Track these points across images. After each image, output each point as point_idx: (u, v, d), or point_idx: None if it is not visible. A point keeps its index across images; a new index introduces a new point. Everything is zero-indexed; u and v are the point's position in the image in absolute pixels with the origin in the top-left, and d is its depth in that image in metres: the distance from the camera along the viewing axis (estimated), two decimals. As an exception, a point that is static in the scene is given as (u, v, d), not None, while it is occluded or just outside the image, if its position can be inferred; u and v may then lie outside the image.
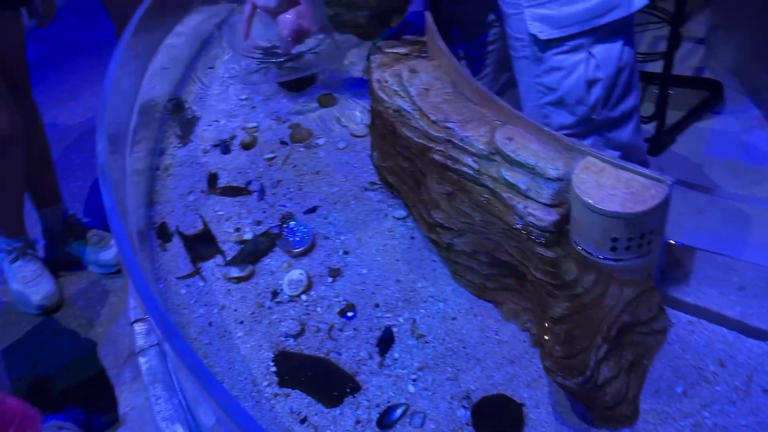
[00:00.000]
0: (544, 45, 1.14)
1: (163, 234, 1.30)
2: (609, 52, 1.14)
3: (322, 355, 1.05)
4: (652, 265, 0.96)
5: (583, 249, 0.94)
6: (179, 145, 1.49)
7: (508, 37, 1.21)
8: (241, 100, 1.59)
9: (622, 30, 1.15)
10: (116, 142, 1.27)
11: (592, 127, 1.19)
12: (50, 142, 2.24)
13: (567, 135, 1.19)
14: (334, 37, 1.59)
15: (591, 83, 1.15)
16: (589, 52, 1.13)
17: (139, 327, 1.23)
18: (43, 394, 1.99)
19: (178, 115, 1.56)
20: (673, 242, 1.02)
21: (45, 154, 2.19)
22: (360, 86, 1.58)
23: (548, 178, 0.96)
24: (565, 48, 1.13)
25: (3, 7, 1.78)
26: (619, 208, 0.88)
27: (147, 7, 1.53)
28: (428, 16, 1.28)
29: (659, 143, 2.16)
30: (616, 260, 0.93)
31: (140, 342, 1.21)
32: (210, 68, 1.71)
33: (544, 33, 1.12)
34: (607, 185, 0.91)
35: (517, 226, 0.98)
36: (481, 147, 1.03)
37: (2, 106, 1.82)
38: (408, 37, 1.33)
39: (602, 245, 0.93)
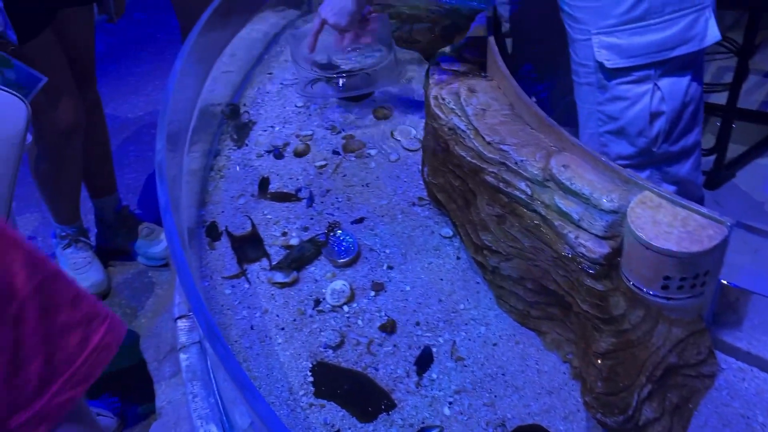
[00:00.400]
0: (610, 73, 1.12)
1: (212, 233, 1.32)
2: (676, 85, 1.12)
3: (359, 369, 1.05)
4: (704, 307, 0.93)
5: (633, 284, 0.92)
6: (234, 148, 1.51)
7: (572, 62, 1.19)
8: (297, 107, 1.60)
9: (692, 64, 1.13)
10: (175, 141, 1.30)
11: (651, 159, 1.17)
12: (110, 133, 2.30)
13: (624, 166, 1.18)
14: (395, 54, 1.59)
15: (654, 116, 1.13)
16: (656, 84, 1.11)
17: (182, 323, 1.25)
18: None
19: (234, 120, 1.58)
20: (727, 284, 0.99)
21: (104, 145, 2.25)
22: (416, 101, 1.59)
23: (602, 210, 0.94)
24: (631, 78, 1.11)
25: (76, 3, 1.83)
26: (674, 246, 0.86)
27: (213, 9, 1.56)
28: (488, 36, 1.28)
29: (717, 177, 2.10)
30: (666, 299, 0.91)
31: (182, 339, 1.22)
32: (269, 74, 1.74)
33: (611, 61, 1.11)
34: (663, 222, 0.89)
35: (567, 255, 0.96)
36: (536, 172, 1.02)
37: (68, 98, 1.88)
38: (468, 55, 1.32)
39: (653, 282, 0.90)
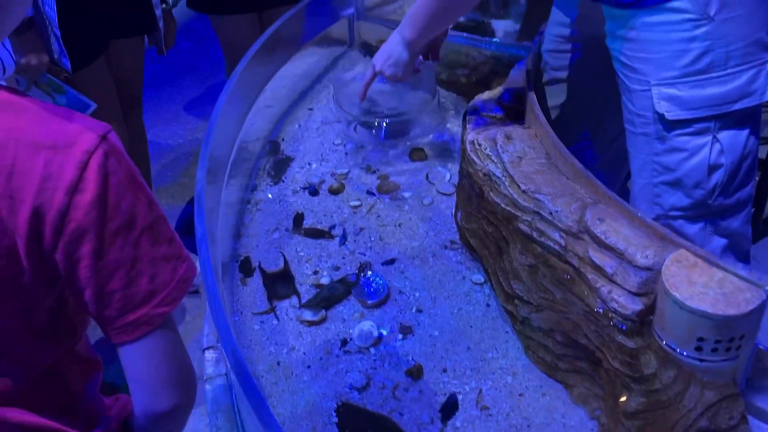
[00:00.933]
0: (670, 125, 1.11)
1: (245, 268, 1.33)
2: (735, 138, 1.11)
3: (384, 412, 1.04)
4: (738, 370, 0.92)
5: (666, 343, 0.91)
6: (271, 183, 1.54)
7: (627, 111, 1.19)
8: (335, 144, 1.63)
9: (751, 117, 1.12)
10: (215, 173, 1.32)
11: (705, 212, 1.15)
12: (149, 158, 2.35)
13: (677, 217, 1.17)
14: (439, 99, 1.60)
15: (713, 168, 1.11)
16: (715, 137, 1.10)
17: (209, 354, 1.26)
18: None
19: (274, 156, 1.61)
20: (763, 349, 0.97)
21: (144, 171, 2.30)
22: (452, 145, 1.60)
23: (637, 266, 0.93)
24: (690, 130, 1.11)
25: (127, 34, 1.90)
26: (710, 308, 0.85)
27: (259, 45, 1.60)
28: (528, 85, 1.29)
29: (755, 232, 2.07)
30: (700, 360, 0.89)
31: (209, 370, 1.23)
32: (309, 109, 1.77)
33: (672, 113, 1.10)
34: (699, 282, 0.88)
35: (599, 310, 0.96)
36: (570, 223, 1.02)
37: (114, 125, 1.93)
38: (506, 102, 1.33)
39: (687, 343, 0.89)
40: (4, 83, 1.13)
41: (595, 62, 1.31)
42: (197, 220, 1.16)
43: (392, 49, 1.35)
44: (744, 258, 1.22)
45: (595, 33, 1.25)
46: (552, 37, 1.37)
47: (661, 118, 1.11)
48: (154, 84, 3.62)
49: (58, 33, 1.62)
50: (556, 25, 1.35)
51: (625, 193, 1.39)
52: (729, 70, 1.07)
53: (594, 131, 1.45)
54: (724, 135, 1.10)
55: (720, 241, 1.18)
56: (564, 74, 1.38)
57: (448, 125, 1.68)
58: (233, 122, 1.51)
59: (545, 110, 1.38)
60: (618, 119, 1.24)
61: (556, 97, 1.43)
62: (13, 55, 1.11)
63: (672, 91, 1.09)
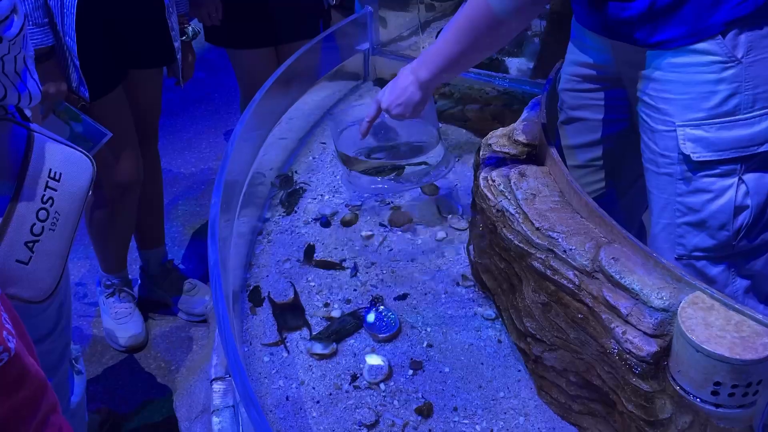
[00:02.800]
0: (695, 166, 1.10)
1: (255, 298, 1.33)
2: (761, 180, 1.10)
3: (393, 450, 1.03)
4: (755, 417, 0.90)
5: (681, 388, 0.90)
6: (283, 214, 1.54)
7: (649, 152, 1.18)
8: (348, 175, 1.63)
9: None
10: (228, 203, 1.33)
11: (729, 253, 1.14)
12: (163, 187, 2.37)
13: (699, 258, 1.15)
14: (442, 139, 1.55)
15: (738, 210, 1.10)
16: (741, 178, 1.09)
17: (217, 386, 1.25)
18: (114, 429, 2.04)
19: (284, 190, 1.61)
20: (781, 395, 0.95)
21: (157, 200, 2.31)
22: (464, 180, 1.60)
23: (652, 307, 0.92)
24: (716, 171, 1.10)
25: (146, 65, 1.92)
26: (727, 352, 0.84)
27: (275, 78, 1.62)
28: (542, 121, 1.29)
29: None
30: (716, 406, 0.88)
31: (216, 401, 1.22)
32: (323, 143, 1.78)
33: (698, 154, 1.09)
34: (716, 325, 0.87)
35: (613, 351, 0.94)
36: (585, 262, 1.01)
37: (129, 154, 1.95)
38: (520, 139, 1.34)
39: (703, 387, 0.88)
40: (29, 112, 1.15)
41: (613, 102, 1.31)
42: (210, 248, 1.16)
43: (404, 87, 1.30)
44: (766, 299, 1.20)
45: (613, 72, 1.25)
46: (568, 77, 1.37)
47: (686, 159, 1.10)
48: (167, 113, 3.65)
49: (78, 63, 1.64)
50: (573, 65, 1.35)
51: (642, 234, 1.39)
52: (756, 113, 1.07)
53: (612, 173, 1.44)
54: (750, 177, 1.10)
55: (743, 282, 1.16)
56: (581, 114, 1.37)
57: (461, 161, 1.68)
58: (248, 153, 1.52)
59: (561, 149, 1.38)
60: (637, 161, 1.23)
61: (573, 136, 1.42)
62: (40, 85, 1.13)
63: (698, 132, 1.08)
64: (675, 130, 1.10)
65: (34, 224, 1.04)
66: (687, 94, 1.09)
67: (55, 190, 1.06)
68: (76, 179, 1.10)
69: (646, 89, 1.14)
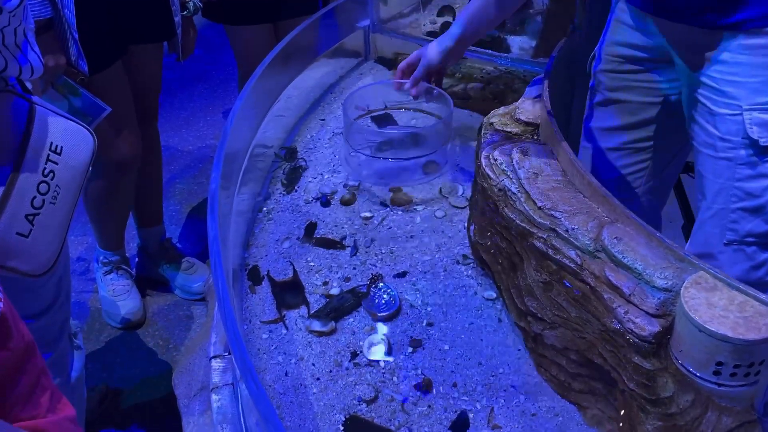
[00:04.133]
0: (761, 150, 1.08)
1: (254, 277, 1.32)
2: None
3: (392, 427, 1.03)
4: (756, 396, 0.90)
5: (683, 366, 0.89)
6: (283, 193, 1.53)
7: (706, 135, 1.15)
8: (349, 155, 1.62)
9: None
10: (227, 180, 1.32)
11: None
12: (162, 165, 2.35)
13: (752, 243, 1.14)
14: (451, 129, 1.55)
15: None
16: None
17: (216, 363, 1.24)
18: (113, 406, 2.04)
19: (289, 162, 1.60)
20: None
21: (156, 178, 2.30)
22: (466, 159, 1.59)
23: (655, 287, 0.92)
24: None
25: (146, 40, 1.90)
26: (729, 332, 0.83)
27: (275, 55, 1.60)
28: (545, 100, 1.28)
29: None
30: (718, 384, 0.88)
31: (215, 379, 1.22)
32: (322, 120, 1.77)
33: (765, 139, 1.07)
34: (719, 305, 0.86)
35: (615, 330, 0.94)
36: (587, 242, 1.01)
37: (129, 130, 1.93)
38: (522, 118, 1.32)
39: (705, 366, 0.88)
40: (30, 84, 1.13)
41: (655, 85, 1.28)
42: (210, 223, 1.15)
43: (440, 38, 1.43)
44: None
45: (662, 54, 1.21)
46: (609, 57, 1.33)
47: (752, 143, 1.08)
48: (165, 91, 3.61)
49: (77, 36, 1.62)
50: (615, 45, 1.31)
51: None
52: None
53: (646, 157, 1.41)
54: None
55: None
56: (620, 95, 1.34)
57: (462, 139, 1.67)
58: (247, 130, 1.51)
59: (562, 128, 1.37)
60: (673, 146, 1.21)
61: (609, 118, 1.39)
62: (41, 58, 1.11)
63: (767, 116, 1.06)
64: (741, 114, 1.07)
65: (35, 197, 1.03)
66: (757, 77, 1.05)
67: (56, 164, 1.06)
68: (77, 153, 1.09)
69: (708, 71, 1.11)
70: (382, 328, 1.20)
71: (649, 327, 0.91)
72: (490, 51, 1.83)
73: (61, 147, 1.06)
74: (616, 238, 0.98)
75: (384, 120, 1.66)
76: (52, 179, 1.04)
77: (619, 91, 1.34)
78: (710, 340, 0.84)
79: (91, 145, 1.11)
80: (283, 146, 1.66)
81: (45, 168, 1.04)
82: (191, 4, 1.90)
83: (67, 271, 1.45)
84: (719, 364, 0.86)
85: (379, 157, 1.51)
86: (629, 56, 1.29)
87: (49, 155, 1.04)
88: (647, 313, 0.92)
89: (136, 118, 1.97)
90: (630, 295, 0.93)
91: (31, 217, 1.03)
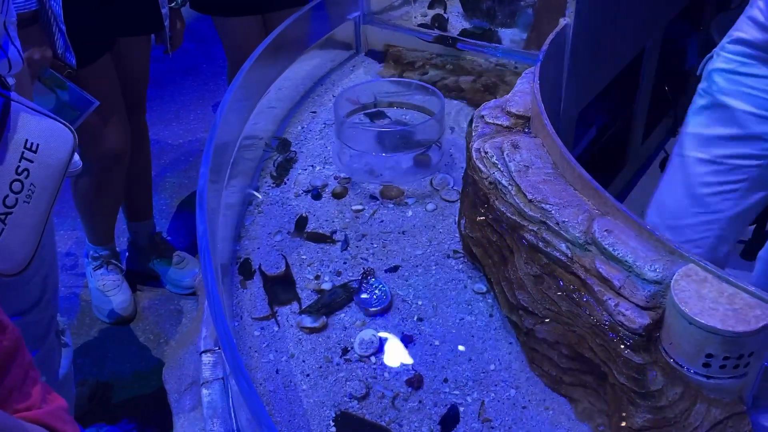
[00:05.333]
0: None
1: (246, 271, 1.31)
2: None
3: (383, 423, 1.03)
4: (745, 388, 0.90)
5: (673, 359, 0.90)
6: (273, 185, 1.52)
7: None
8: (341, 152, 1.61)
9: None
10: (216, 173, 1.31)
11: None
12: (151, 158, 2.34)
13: None
14: (444, 128, 1.53)
15: None
16: None
17: (206, 358, 1.24)
18: (103, 401, 2.04)
19: (281, 153, 1.59)
20: (772, 367, 0.96)
21: (146, 171, 2.29)
22: (457, 152, 1.58)
23: (645, 279, 0.92)
24: None
25: (134, 32, 1.88)
26: (719, 324, 0.83)
27: (264, 47, 1.59)
28: (536, 93, 1.28)
29: (755, 248, 2.06)
30: (707, 377, 0.88)
31: (206, 373, 1.21)
32: (313, 112, 1.75)
33: None
34: (709, 297, 0.86)
35: (605, 323, 0.94)
36: (577, 234, 1.00)
37: (117, 124, 1.92)
38: (513, 110, 1.32)
39: (694, 359, 0.88)
40: (13, 80, 1.11)
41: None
42: (199, 217, 1.14)
43: None
44: None
45: None
46: (731, 57, 1.22)
47: None
48: (155, 84, 3.60)
49: (64, 28, 1.60)
50: (743, 44, 1.20)
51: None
52: None
53: (749, 176, 1.26)
54: None
55: None
56: (732, 101, 1.22)
57: (454, 132, 1.66)
58: (236, 123, 1.50)
59: (553, 120, 1.36)
60: None
61: (712, 125, 1.27)
62: (21, 52, 1.09)
63: None
64: None
65: (7, 196, 1.01)
66: None
67: (32, 162, 1.03)
68: (54, 151, 1.07)
69: None
70: (373, 324, 1.19)
71: (639, 319, 0.91)
72: (482, 42, 1.82)
73: (38, 144, 1.04)
74: (606, 230, 0.98)
75: (376, 116, 1.66)
76: (26, 177, 1.02)
77: (731, 96, 1.22)
78: (700, 333, 0.84)
79: (71, 143, 1.08)
80: (275, 136, 1.65)
81: (19, 166, 1.02)
82: (179, -5, 1.88)
83: (54, 268, 1.43)
84: (709, 356, 0.86)
85: (372, 154, 1.50)
86: (758, 57, 1.18)
87: (24, 153, 1.02)
88: (637, 305, 0.92)
89: (125, 111, 1.95)
90: (620, 287, 0.93)
91: (3, 217, 1.01)
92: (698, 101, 1.30)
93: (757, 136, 1.22)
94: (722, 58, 1.25)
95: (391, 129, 1.55)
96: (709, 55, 1.30)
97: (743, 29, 1.21)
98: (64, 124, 1.09)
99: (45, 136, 1.06)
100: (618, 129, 2.22)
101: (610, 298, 0.94)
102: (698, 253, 1.26)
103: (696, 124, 1.30)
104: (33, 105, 1.08)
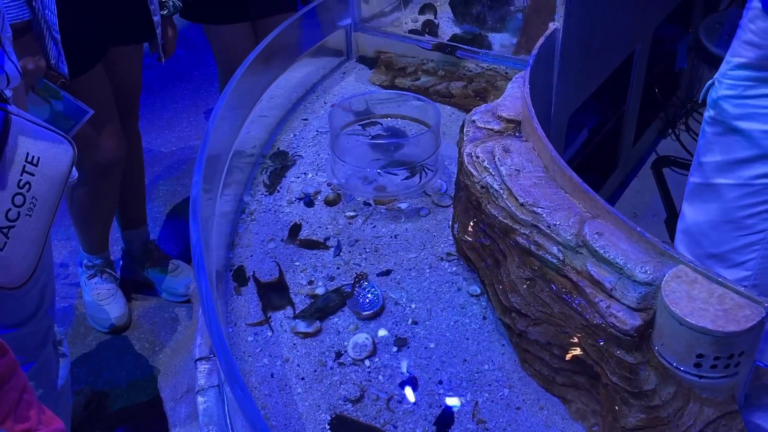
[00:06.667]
0: None
1: (240, 278, 1.32)
2: None
3: (378, 425, 1.03)
4: (737, 387, 0.91)
5: (665, 359, 0.90)
6: (266, 193, 1.52)
7: None
8: (335, 165, 1.61)
9: None
10: (209, 181, 1.31)
11: None
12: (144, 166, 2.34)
13: None
14: (440, 141, 1.51)
15: None
16: None
17: (202, 366, 1.24)
18: (99, 410, 2.03)
19: (281, 164, 1.59)
20: (762, 366, 0.97)
21: (139, 179, 2.29)
22: (449, 157, 1.59)
23: (636, 281, 0.93)
24: None
25: (127, 42, 1.89)
26: (710, 324, 0.84)
27: (256, 55, 1.60)
28: (526, 97, 1.29)
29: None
30: (699, 377, 0.89)
31: (201, 381, 1.21)
32: (305, 120, 1.76)
33: None
34: (699, 298, 0.87)
35: (597, 324, 0.95)
36: (569, 237, 1.01)
37: (111, 132, 1.92)
38: (504, 114, 1.33)
39: (686, 359, 0.89)
40: (10, 92, 1.12)
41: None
42: (192, 226, 1.15)
43: None
44: None
45: None
46: (733, 83, 1.23)
47: None
48: (147, 91, 3.60)
49: (58, 37, 1.61)
50: (745, 68, 1.21)
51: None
52: None
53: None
54: None
55: None
56: (748, 125, 1.22)
57: (445, 137, 1.67)
58: (229, 131, 1.50)
59: (544, 124, 1.36)
60: None
61: (736, 150, 1.26)
62: (18, 66, 1.09)
63: None
64: None
65: (10, 210, 1.02)
66: None
67: (33, 175, 1.04)
68: (55, 163, 1.07)
69: None
70: (367, 328, 1.20)
71: (630, 321, 0.91)
72: (472, 48, 1.83)
73: (38, 158, 1.05)
74: (597, 233, 0.99)
75: (371, 128, 1.65)
76: (28, 191, 1.03)
77: (745, 119, 1.23)
78: (690, 333, 0.85)
79: (71, 155, 1.09)
80: (278, 148, 1.64)
81: (21, 180, 1.02)
82: (170, 3, 1.88)
83: (51, 279, 1.43)
84: (700, 356, 0.87)
85: (367, 168, 1.49)
86: (761, 78, 1.19)
87: (25, 166, 1.03)
88: (629, 307, 0.93)
89: (119, 119, 1.96)
90: (611, 289, 0.94)
91: (5, 230, 1.01)
92: (710, 129, 1.30)
93: None
94: (726, 85, 1.25)
95: (386, 142, 1.54)
96: (710, 82, 1.30)
97: (741, 54, 1.22)
98: (63, 136, 1.10)
99: (45, 148, 1.06)
100: (609, 131, 2.23)
101: (601, 300, 0.95)
102: (746, 276, 1.29)
103: (716, 152, 1.30)
104: (31, 117, 1.09)
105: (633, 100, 2.23)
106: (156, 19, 1.83)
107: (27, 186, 1.03)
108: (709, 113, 1.30)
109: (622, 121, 2.25)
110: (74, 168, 1.18)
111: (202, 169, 1.25)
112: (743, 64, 1.21)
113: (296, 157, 1.61)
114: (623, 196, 2.44)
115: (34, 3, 1.57)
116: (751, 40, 1.19)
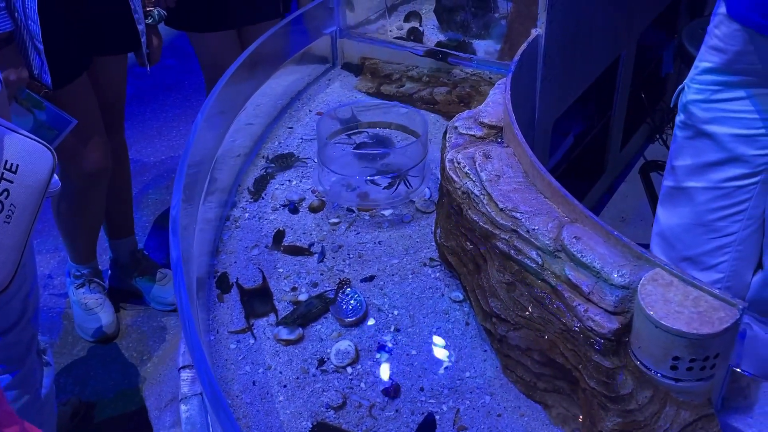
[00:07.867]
0: None
1: (223, 285, 1.32)
2: None
3: (360, 432, 1.03)
4: (713, 390, 0.92)
5: (641, 363, 0.91)
6: (251, 200, 1.53)
7: None
8: (315, 162, 1.62)
9: None
10: (192, 190, 1.32)
11: None
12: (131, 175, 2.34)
13: None
14: (426, 149, 1.52)
15: None
16: None
17: (185, 374, 1.24)
18: (86, 420, 2.02)
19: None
20: (738, 370, 0.97)
21: (126, 188, 2.28)
22: (431, 163, 1.59)
23: (613, 284, 0.93)
24: None
25: (112, 51, 1.89)
26: (684, 327, 0.85)
27: (240, 63, 1.60)
28: (507, 103, 1.29)
29: None
30: (675, 380, 0.89)
31: (184, 389, 1.21)
32: (289, 128, 1.77)
33: None
34: (674, 300, 0.88)
35: (575, 328, 0.95)
36: (547, 242, 1.02)
37: (96, 142, 1.92)
38: (486, 120, 1.34)
39: (662, 362, 0.89)
40: None
41: (759, 114, 1.20)
42: (172, 244, 1.14)
43: None
44: None
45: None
46: (701, 87, 1.24)
47: None
48: (138, 100, 3.61)
49: (41, 48, 1.61)
50: (712, 73, 1.22)
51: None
52: None
53: (748, 196, 1.27)
54: None
55: None
56: (714, 128, 1.24)
57: (429, 144, 1.67)
58: (213, 139, 1.51)
59: (524, 130, 1.37)
60: None
61: (705, 154, 1.27)
62: (0, 77, 1.09)
63: None
64: None
65: None
66: None
67: (11, 182, 1.04)
68: (34, 171, 1.07)
69: None
70: (349, 335, 1.20)
71: (608, 324, 0.92)
72: (456, 53, 1.84)
73: (17, 165, 1.04)
74: (575, 237, 0.99)
75: (358, 137, 1.65)
76: (6, 198, 1.02)
77: (714, 123, 1.24)
78: (666, 336, 0.86)
79: (51, 163, 1.09)
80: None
81: None
82: (155, 12, 1.89)
83: (35, 288, 1.43)
84: (676, 358, 0.87)
85: (355, 177, 1.49)
86: (728, 82, 1.20)
87: (3, 174, 1.03)
88: (606, 310, 0.93)
89: (104, 128, 1.96)
90: (589, 293, 0.95)
91: None
92: (680, 133, 1.32)
93: (747, 155, 1.24)
94: (694, 90, 1.27)
95: (373, 151, 1.54)
96: (680, 87, 1.32)
97: (708, 59, 1.23)
98: (43, 144, 1.10)
99: (24, 156, 1.06)
100: (596, 136, 2.24)
101: (579, 304, 0.95)
102: (718, 278, 1.30)
103: (686, 156, 1.31)
104: (11, 125, 1.09)
105: (619, 105, 2.24)
106: (141, 28, 1.83)
107: (5, 193, 1.02)
108: (679, 117, 1.32)
109: (608, 127, 2.27)
110: (56, 176, 1.18)
111: (182, 183, 1.25)
112: (710, 68, 1.23)
113: (272, 170, 1.61)
114: (611, 201, 2.46)
115: (16, 14, 1.57)
116: (717, 45, 1.21)
